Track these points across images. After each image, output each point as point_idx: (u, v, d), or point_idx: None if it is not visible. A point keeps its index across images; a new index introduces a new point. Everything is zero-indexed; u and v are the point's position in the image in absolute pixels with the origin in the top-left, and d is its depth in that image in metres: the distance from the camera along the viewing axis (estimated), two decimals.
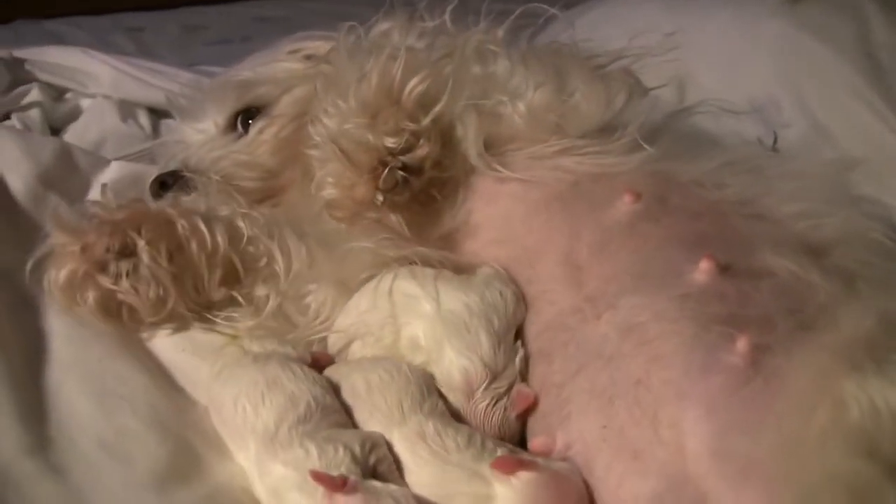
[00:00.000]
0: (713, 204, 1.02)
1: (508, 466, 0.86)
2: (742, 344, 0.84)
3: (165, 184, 1.28)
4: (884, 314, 0.74)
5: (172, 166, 1.31)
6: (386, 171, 1.04)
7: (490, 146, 1.11)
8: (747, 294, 0.90)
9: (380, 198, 1.06)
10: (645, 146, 1.06)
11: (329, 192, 1.09)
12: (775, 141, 1.37)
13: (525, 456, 0.89)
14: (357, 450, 0.88)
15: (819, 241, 0.98)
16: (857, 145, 1.39)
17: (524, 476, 0.85)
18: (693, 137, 1.17)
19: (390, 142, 1.04)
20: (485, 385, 0.99)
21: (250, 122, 1.33)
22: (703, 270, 0.92)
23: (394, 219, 1.10)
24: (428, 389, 0.98)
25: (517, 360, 1.01)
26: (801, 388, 0.73)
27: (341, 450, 0.87)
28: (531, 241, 1.07)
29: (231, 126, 1.35)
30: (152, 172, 1.33)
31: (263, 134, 1.31)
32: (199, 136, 1.35)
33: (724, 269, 0.92)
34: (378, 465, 0.89)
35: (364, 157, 1.05)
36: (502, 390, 0.99)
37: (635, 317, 0.92)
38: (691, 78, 1.45)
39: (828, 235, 0.98)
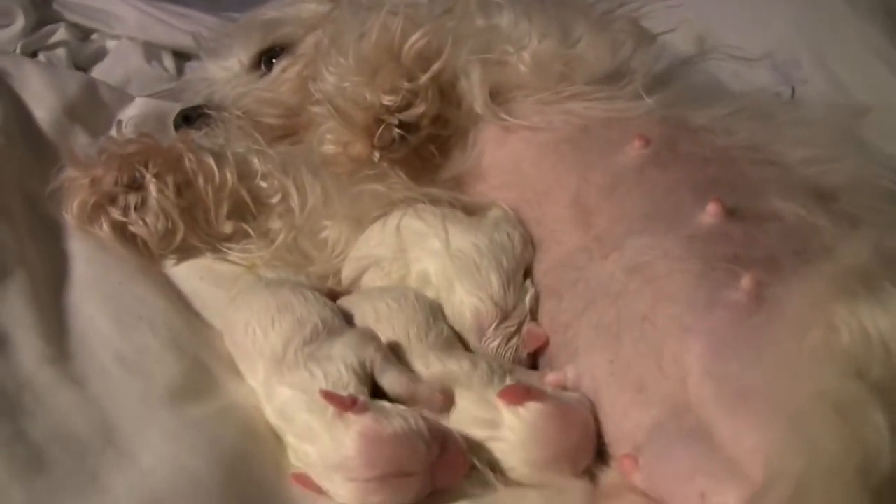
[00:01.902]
0: (722, 150, 1.02)
1: (516, 396, 0.88)
2: (746, 281, 0.85)
3: (189, 118, 1.30)
4: (880, 247, 0.75)
5: (196, 101, 1.33)
6: (381, 128, 1.06)
7: (496, 95, 1.12)
8: (753, 236, 0.92)
9: (376, 155, 1.08)
10: (644, 96, 1.07)
11: (327, 149, 1.11)
12: (793, 95, 1.37)
13: (533, 385, 0.90)
14: (357, 365, 0.90)
15: (827, 186, 0.98)
16: (875, 102, 1.38)
17: (532, 406, 0.87)
18: (705, 85, 1.18)
19: (387, 100, 1.05)
20: (495, 324, 1.01)
21: (274, 60, 1.34)
22: (710, 213, 0.93)
23: (393, 174, 1.12)
24: (434, 317, 1.00)
25: (527, 299, 1.03)
26: (796, 313, 0.74)
27: (344, 370, 0.90)
28: (540, 184, 1.09)
29: (255, 64, 1.36)
30: (175, 109, 1.35)
31: (286, 73, 1.32)
32: (223, 73, 1.37)
33: (731, 212, 0.93)
34: (374, 367, 0.91)
35: (360, 116, 1.07)
36: (513, 329, 1.01)
37: (642, 256, 0.93)
38: (712, 33, 1.45)
39: (836, 181, 0.99)
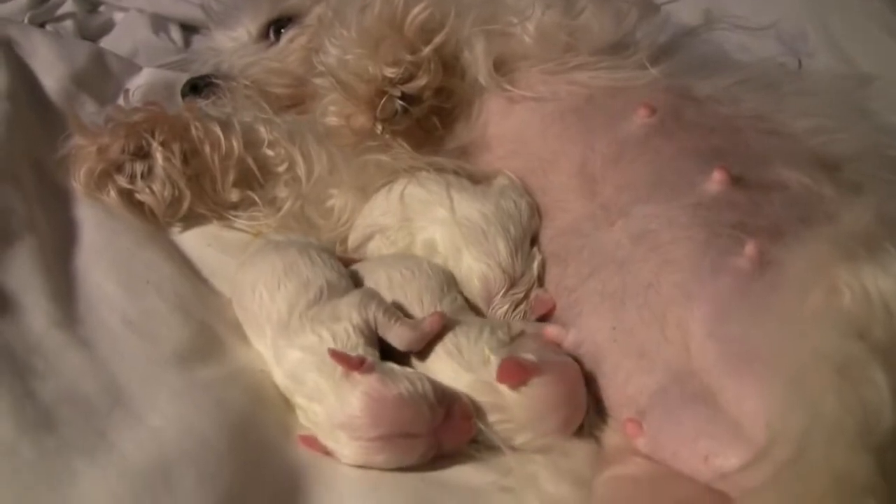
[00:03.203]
0: (728, 119, 1.03)
1: (516, 375, 0.88)
2: (750, 248, 0.86)
3: (196, 87, 1.30)
4: (882, 211, 0.75)
5: (204, 71, 1.33)
6: (384, 100, 1.06)
7: (500, 66, 1.12)
8: (758, 203, 0.92)
9: (378, 127, 1.08)
10: (648, 66, 1.07)
11: (330, 121, 1.12)
12: (799, 68, 1.36)
13: (522, 357, 0.90)
14: (362, 325, 0.91)
15: (832, 155, 0.99)
16: (882, 75, 1.38)
17: (535, 381, 0.88)
18: (710, 55, 1.17)
19: (389, 72, 1.05)
20: (503, 291, 1.01)
21: (282, 31, 1.35)
22: (715, 181, 0.93)
23: (396, 145, 1.12)
24: (448, 286, 1.01)
25: (535, 265, 1.03)
26: (798, 276, 0.74)
27: (352, 330, 0.90)
28: (546, 153, 1.09)
29: (263, 35, 1.36)
30: (183, 79, 1.35)
31: (294, 43, 1.33)
32: (231, 43, 1.37)
33: (736, 180, 0.94)
34: (377, 324, 0.92)
35: (362, 88, 1.07)
36: (520, 296, 1.01)
37: (648, 224, 0.94)
38: (720, 6, 1.44)
39: (841, 150, 0.99)
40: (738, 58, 1.24)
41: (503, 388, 0.88)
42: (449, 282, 1.02)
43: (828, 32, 1.47)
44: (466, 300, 1.02)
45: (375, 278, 1.01)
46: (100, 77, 1.40)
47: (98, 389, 0.86)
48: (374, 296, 0.95)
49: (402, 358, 0.93)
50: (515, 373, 0.88)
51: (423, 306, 0.98)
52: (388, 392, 0.84)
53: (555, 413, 0.88)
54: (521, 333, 0.95)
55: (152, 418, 0.84)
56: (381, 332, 0.92)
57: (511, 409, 0.88)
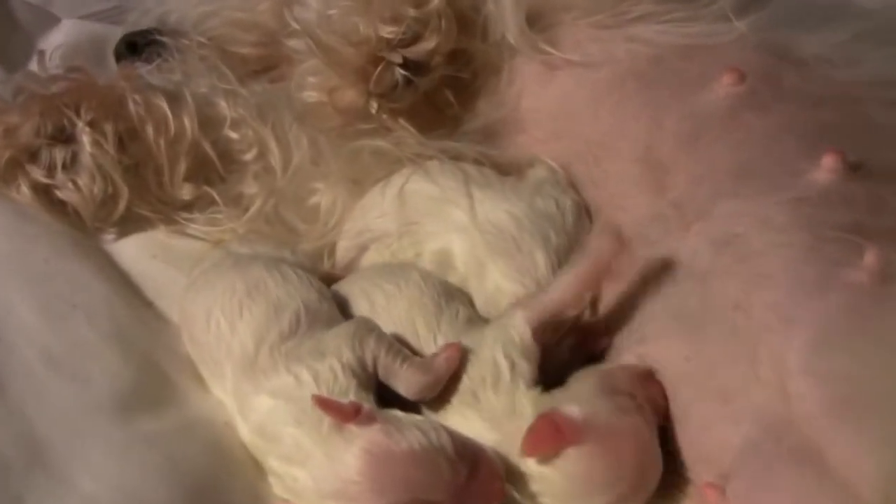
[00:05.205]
0: (842, 86, 1.04)
1: (546, 444, 0.88)
2: (871, 256, 0.86)
3: (135, 46, 1.32)
4: None
5: (146, 24, 1.35)
6: (379, 69, 1.07)
7: (536, 20, 1.14)
8: (882, 198, 0.93)
9: (374, 104, 1.09)
10: (733, 19, 1.08)
11: (308, 96, 1.13)
12: None
13: (566, 414, 0.89)
14: (355, 364, 0.93)
15: None
16: None
17: (570, 453, 0.88)
18: (817, 1, 1.18)
19: (387, 32, 1.06)
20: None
21: None
22: (825, 168, 0.95)
23: (398, 128, 1.14)
24: (447, 298, 1.02)
25: None
26: None
27: (340, 371, 0.92)
28: (597, 133, 1.10)
29: None
30: (117, 35, 1.36)
31: None
32: None
33: (853, 168, 0.95)
34: (378, 365, 0.94)
35: (351, 54, 1.07)
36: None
37: (734, 226, 0.95)
38: None
39: None
40: (857, 3, 1.25)
41: (531, 462, 0.89)
42: (448, 292, 1.03)
43: None
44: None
45: (353, 301, 1.03)
46: (4, 32, 1.42)
47: (10, 445, 0.88)
48: (372, 328, 0.96)
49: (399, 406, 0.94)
50: (548, 437, 0.87)
51: (416, 331, 0.99)
52: (395, 447, 0.85)
53: (597, 493, 0.88)
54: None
55: (82, 481, 0.86)
56: (384, 378, 0.94)
57: (543, 482, 0.89)
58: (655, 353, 0.96)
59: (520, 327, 0.95)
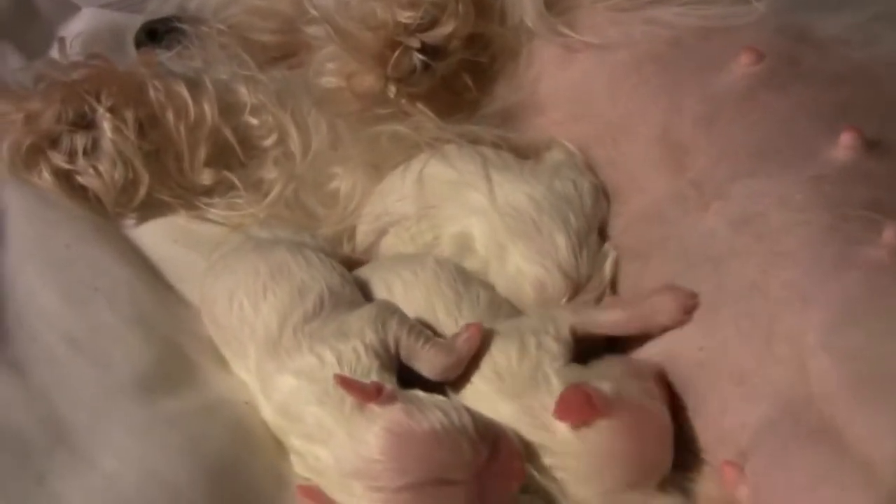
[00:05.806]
0: (860, 65, 1.04)
1: (579, 412, 0.88)
2: (890, 234, 0.86)
3: (155, 34, 1.32)
4: None
5: (166, 12, 1.35)
6: (397, 54, 1.08)
7: (554, 3, 1.14)
8: None
9: (392, 89, 1.10)
10: None
11: (327, 81, 1.13)
12: None
13: (597, 388, 0.90)
14: (378, 346, 0.93)
15: None
16: None
17: (601, 424, 0.88)
18: None
19: (405, 16, 1.07)
20: (565, 299, 1.03)
21: None
22: (844, 146, 0.95)
23: (416, 112, 1.14)
24: (465, 283, 1.03)
25: (606, 265, 1.05)
26: None
27: (363, 351, 0.93)
28: (616, 115, 1.11)
29: None
30: (137, 23, 1.37)
31: None
32: None
33: (871, 145, 0.95)
34: (399, 347, 0.95)
35: (369, 39, 1.08)
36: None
37: (753, 205, 0.95)
38: None
39: None
40: None
41: (558, 425, 0.89)
42: (465, 277, 1.03)
43: None
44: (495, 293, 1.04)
45: (374, 288, 1.04)
46: (24, 22, 1.43)
47: (33, 424, 0.89)
48: (394, 311, 0.97)
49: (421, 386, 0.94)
50: (581, 406, 0.88)
51: (436, 317, 1.00)
52: (416, 427, 0.85)
53: (616, 470, 0.89)
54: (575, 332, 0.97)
55: (104, 460, 0.86)
56: (406, 359, 0.95)
57: (563, 454, 0.89)
58: (670, 338, 0.96)
59: (560, 321, 0.96)
